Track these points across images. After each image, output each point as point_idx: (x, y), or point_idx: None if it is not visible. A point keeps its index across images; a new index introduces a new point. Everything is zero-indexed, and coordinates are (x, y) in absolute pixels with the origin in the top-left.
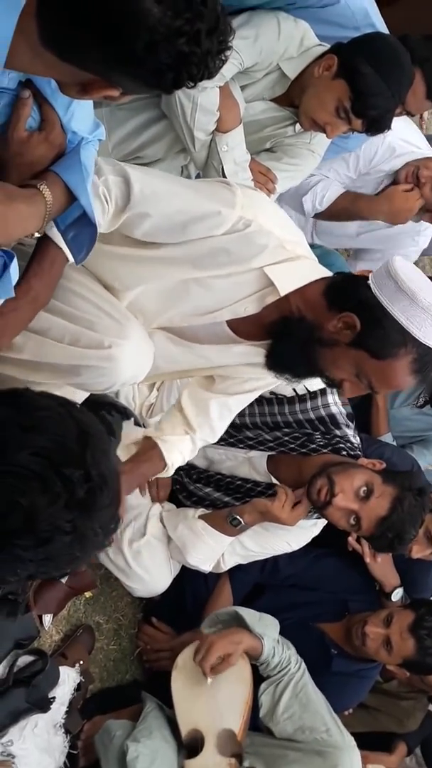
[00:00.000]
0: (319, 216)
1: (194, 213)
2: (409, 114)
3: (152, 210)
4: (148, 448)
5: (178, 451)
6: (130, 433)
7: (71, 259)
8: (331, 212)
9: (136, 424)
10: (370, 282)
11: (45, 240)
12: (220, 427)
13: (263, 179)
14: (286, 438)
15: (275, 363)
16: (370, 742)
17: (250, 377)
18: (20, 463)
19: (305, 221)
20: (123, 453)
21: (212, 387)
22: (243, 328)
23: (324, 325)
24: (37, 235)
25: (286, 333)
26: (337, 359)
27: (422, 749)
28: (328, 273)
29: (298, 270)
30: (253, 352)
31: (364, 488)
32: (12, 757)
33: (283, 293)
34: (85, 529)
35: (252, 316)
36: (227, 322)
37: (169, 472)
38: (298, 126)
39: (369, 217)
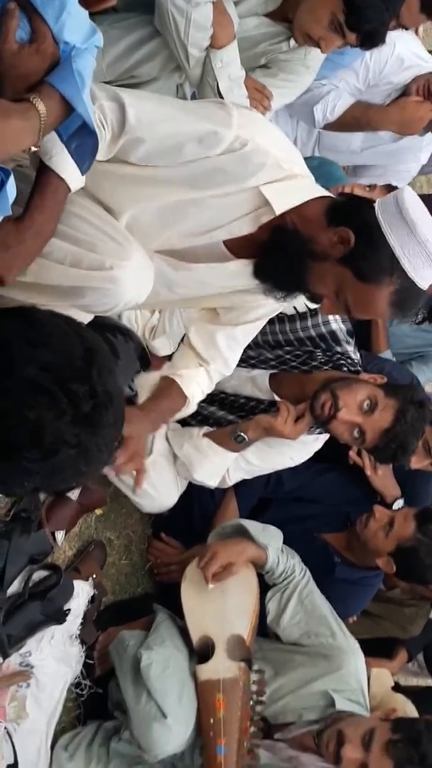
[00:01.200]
0: (328, 126)
1: (190, 135)
2: (404, 27)
3: (147, 135)
4: (167, 386)
5: (196, 383)
6: (146, 379)
7: (73, 187)
8: (340, 123)
9: (140, 347)
10: (375, 205)
11: (45, 171)
12: (233, 359)
13: (258, 96)
14: (288, 356)
15: (262, 270)
16: (373, 649)
17: (252, 306)
18: (28, 377)
19: (308, 137)
20: (143, 398)
21: (217, 320)
22: (239, 248)
23: (318, 239)
24: (33, 149)
25: (279, 243)
26: (323, 274)
27: (424, 655)
28: (326, 192)
29: (294, 189)
30: (248, 272)
31: (368, 402)
32: (30, 668)
33: (278, 212)
34: (90, 444)
35: (248, 235)
36: (224, 242)
37: (191, 407)
38: (292, 41)
39: (379, 127)
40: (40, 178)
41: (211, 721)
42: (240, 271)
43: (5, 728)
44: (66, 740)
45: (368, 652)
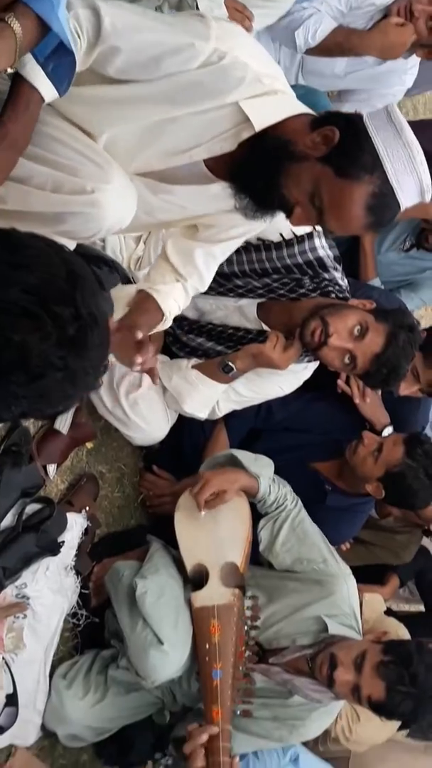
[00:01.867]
0: (310, 51)
1: (167, 46)
2: None
3: (124, 44)
4: (143, 301)
5: (173, 299)
6: (122, 293)
7: (47, 98)
8: (322, 48)
9: (125, 278)
10: (363, 115)
11: (18, 81)
12: (208, 275)
13: (239, 16)
14: (276, 284)
15: (237, 174)
16: (366, 576)
17: (231, 225)
18: (11, 300)
19: (291, 62)
20: (119, 313)
21: (196, 235)
22: (221, 168)
23: (299, 140)
24: (9, 71)
25: (258, 148)
26: (301, 174)
27: (416, 581)
28: (307, 109)
29: (275, 104)
30: (229, 193)
31: (358, 327)
32: (26, 599)
33: (258, 128)
34: (77, 366)
35: (229, 154)
36: (204, 161)
37: (167, 321)
38: None
39: (362, 52)
40: (13, 89)
41: (207, 646)
42: (221, 193)
43: (3, 659)
44: (64, 669)
45: (361, 579)
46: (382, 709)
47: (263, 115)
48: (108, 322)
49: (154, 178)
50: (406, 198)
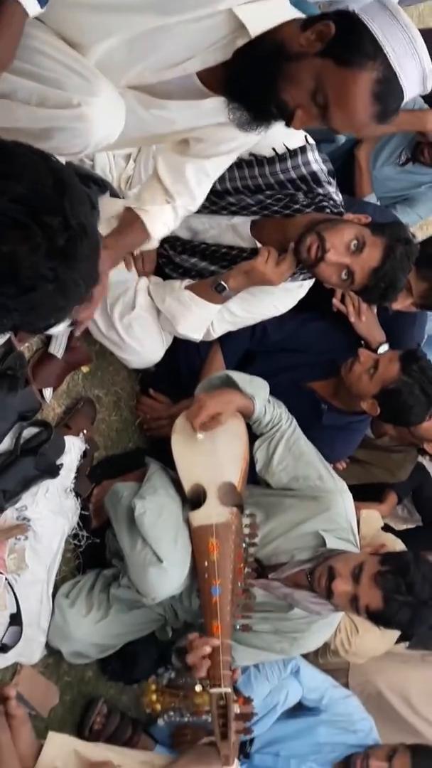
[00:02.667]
0: None
1: None
2: None
3: None
4: (130, 221)
5: (161, 221)
6: (110, 207)
7: (30, 12)
8: None
9: (114, 196)
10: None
11: None
12: (200, 193)
13: None
14: (269, 200)
15: (231, 85)
16: (362, 495)
17: (224, 138)
18: None
19: None
20: (104, 228)
21: (187, 151)
22: (214, 81)
23: (294, 41)
24: None
25: (252, 54)
26: (300, 73)
27: (413, 499)
28: (301, 14)
29: (269, 10)
30: (223, 108)
31: (355, 241)
32: (27, 521)
33: (253, 34)
34: (67, 278)
35: (222, 65)
36: (198, 75)
37: (153, 243)
38: None
39: None
40: None
41: (206, 564)
42: (215, 108)
43: (6, 579)
44: (67, 588)
45: (358, 498)
46: (380, 617)
47: (258, 21)
48: (97, 232)
49: (147, 92)
50: (410, 84)
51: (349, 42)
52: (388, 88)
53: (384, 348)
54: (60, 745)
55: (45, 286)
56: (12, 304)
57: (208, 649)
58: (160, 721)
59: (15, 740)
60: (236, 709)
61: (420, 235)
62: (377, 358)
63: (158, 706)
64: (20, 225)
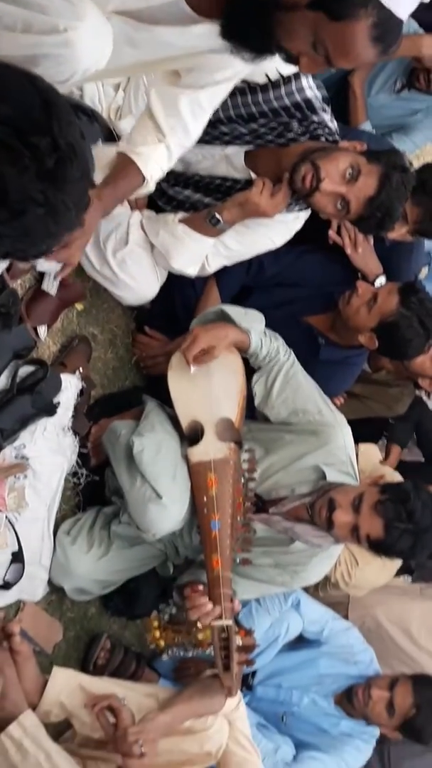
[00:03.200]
0: None
1: None
2: None
3: None
4: (123, 166)
5: (155, 162)
6: (102, 154)
7: None
8: None
9: (106, 129)
10: None
11: None
12: (195, 128)
13: None
14: (263, 129)
15: (229, 32)
16: (361, 431)
17: (218, 66)
18: None
19: None
20: (98, 176)
21: (180, 82)
22: (202, 6)
23: None
24: None
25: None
26: (294, 26)
27: (417, 438)
28: None
29: None
30: (214, 33)
31: (350, 170)
32: (26, 459)
33: None
34: (57, 201)
35: None
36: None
37: (149, 186)
38: None
39: None
40: None
41: (204, 499)
42: (205, 33)
43: (6, 518)
44: (67, 526)
45: (357, 434)
46: (381, 546)
47: None
48: (87, 153)
49: (133, 17)
50: (405, 10)
51: None
52: (386, 27)
53: (381, 280)
54: (65, 679)
55: (35, 210)
56: (2, 229)
57: (208, 606)
58: (164, 657)
59: (20, 676)
60: (238, 641)
61: (417, 165)
62: (376, 291)
63: (162, 643)
64: (7, 147)
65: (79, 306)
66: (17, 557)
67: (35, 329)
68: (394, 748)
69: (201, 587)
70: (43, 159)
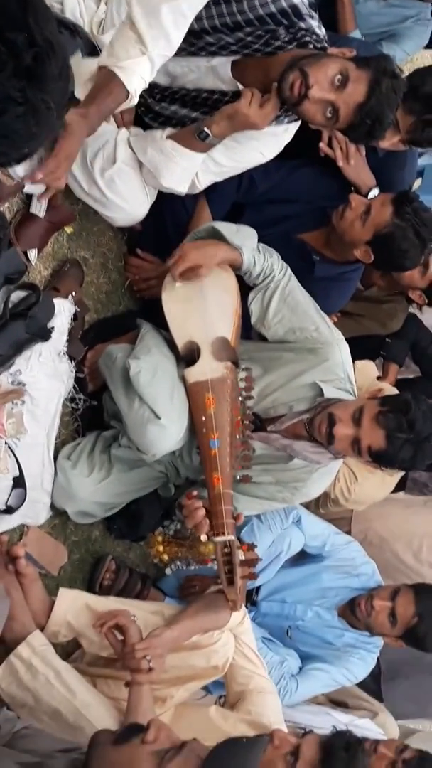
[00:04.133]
0: None
1: None
2: None
3: None
4: (107, 80)
5: (138, 75)
6: (83, 69)
7: None
8: None
9: (88, 42)
10: None
11: None
12: (176, 36)
13: None
14: (249, 38)
15: None
16: (358, 350)
17: None
18: None
19: None
20: (81, 91)
21: None
22: None
23: None
24: None
25: None
26: None
27: (413, 355)
28: None
29: None
30: None
31: (339, 76)
32: (23, 385)
33: None
34: (37, 100)
35: None
36: None
37: (133, 100)
38: None
39: None
40: None
41: (203, 418)
42: None
43: (6, 444)
44: (68, 451)
45: (352, 352)
46: (382, 457)
47: None
48: (65, 50)
49: None
50: None
51: None
52: None
53: (374, 192)
54: (71, 600)
55: (14, 109)
56: None
57: (201, 511)
58: (168, 571)
59: (27, 598)
60: (241, 555)
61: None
62: (369, 203)
63: (165, 556)
64: None
65: (68, 229)
66: (19, 482)
67: (25, 253)
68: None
69: (195, 492)
70: (20, 55)
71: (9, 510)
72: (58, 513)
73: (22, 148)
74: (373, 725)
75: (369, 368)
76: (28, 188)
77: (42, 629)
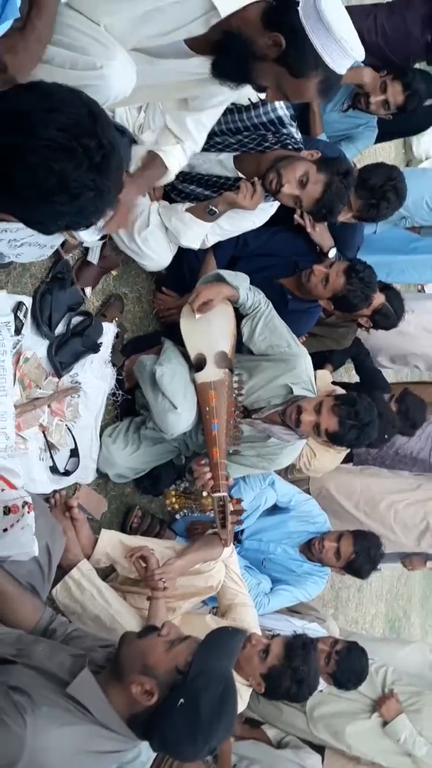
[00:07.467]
0: None
1: None
2: None
3: None
4: (152, 159)
5: (174, 157)
6: (136, 153)
7: None
8: None
9: (132, 140)
10: (299, 9)
11: None
12: (200, 138)
13: None
14: (246, 140)
15: (217, 70)
16: (319, 361)
17: (214, 93)
18: (50, 138)
19: None
20: (133, 167)
21: (186, 107)
22: (198, 46)
23: (256, 42)
24: None
25: (227, 46)
26: (265, 72)
27: (354, 366)
28: None
29: None
30: (206, 65)
31: (304, 178)
32: (79, 384)
33: (223, 15)
34: (103, 186)
35: (203, 36)
36: (185, 41)
37: (170, 176)
38: None
39: None
40: None
41: (207, 408)
42: (200, 64)
43: (66, 425)
44: (109, 431)
45: (315, 362)
46: (335, 437)
47: (227, 5)
48: (122, 147)
49: (148, 53)
50: (344, 67)
51: (296, 55)
52: (330, 83)
53: (333, 251)
54: (109, 537)
55: (87, 194)
56: (64, 209)
57: (208, 474)
58: (178, 517)
59: (78, 535)
60: (231, 507)
61: (361, 164)
62: (328, 273)
63: (176, 506)
64: (66, 148)
65: (114, 272)
66: (74, 453)
67: (83, 290)
68: None
69: (204, 461)
70: (92, 155)
71: (67, 473)
72: (101, 475)
73: (90, 220)
74: (320, 628)
75: (326, 375)
76: (87, 243)
77: (88, 558)
